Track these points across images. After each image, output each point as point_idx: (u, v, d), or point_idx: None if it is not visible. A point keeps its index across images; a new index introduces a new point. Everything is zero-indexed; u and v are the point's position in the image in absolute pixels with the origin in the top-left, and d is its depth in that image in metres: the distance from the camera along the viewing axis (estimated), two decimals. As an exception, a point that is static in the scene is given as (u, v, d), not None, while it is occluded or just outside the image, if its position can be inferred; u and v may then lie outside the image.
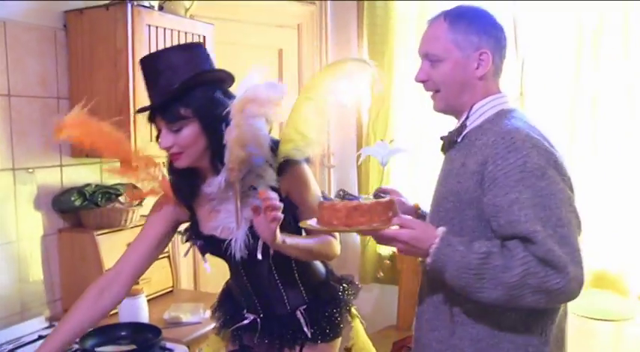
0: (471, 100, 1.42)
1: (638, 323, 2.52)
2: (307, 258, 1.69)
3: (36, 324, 2.12)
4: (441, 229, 1.31)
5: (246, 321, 1.75)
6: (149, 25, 2.19)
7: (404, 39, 3.23)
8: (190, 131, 1.51)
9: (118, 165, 1.75)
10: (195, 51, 1.59)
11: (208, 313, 2.04)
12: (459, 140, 1.43)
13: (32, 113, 2.18)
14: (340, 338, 1.77)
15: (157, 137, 1.57)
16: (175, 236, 1.78)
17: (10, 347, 1.96)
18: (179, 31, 2.31)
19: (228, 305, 1.83)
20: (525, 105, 2.90)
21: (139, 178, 1.69)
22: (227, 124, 1.45)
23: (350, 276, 1.84)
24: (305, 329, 1.69)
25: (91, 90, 2.20)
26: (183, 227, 1.76)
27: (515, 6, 2.89)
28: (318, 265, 1.77)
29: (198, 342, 2.04)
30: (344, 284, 1.79)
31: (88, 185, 2.29)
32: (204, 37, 2.41)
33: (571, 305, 1.43)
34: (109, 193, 2.27)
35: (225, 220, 1.61)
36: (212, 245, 1.66)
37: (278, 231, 1.42)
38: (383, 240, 1.34)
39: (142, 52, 2.12)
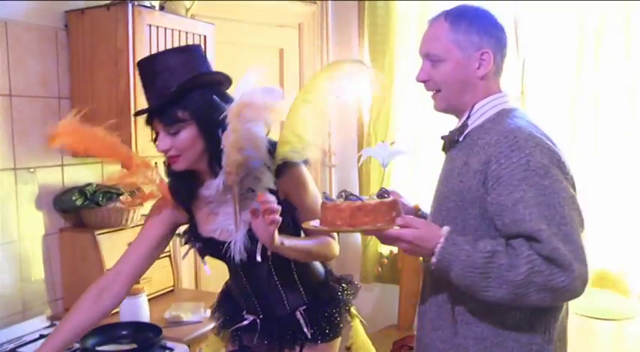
0: (472, 100, 1.43)
1: (639, 323, 2.52)
2: (306, 259, 1.69)
3: (37, 323, 2.13)
4: (446, 228, 1.31)
5: (245, 322, 1.76)
6: (150, 25, 2.19)
7: (405, 39, 3.23)
8: (188, 134, 1.51)
9: (116, 173, 1.75)
10: (192, 53, 1.59)
11: (209, 312, 2.05)
12: (460, 139, 1.43)
13: (33, 113, 2.18)
14: (340, 338, 1.78)
15: (155, 140, 1.57)
16: (176, 236, 1.78)
17: (12, 346, 1.97)
18: (180, 31, 2.31)
19: (227, 306, 1.84)
20: (526, 104, 2.90)
21: (138, 183, 1.69)
22: (224, 128, 1.44)
23: (349, 276, 1.85)
24: (305, 329, 1.69)
25: (92, 90, 2.21)
26: (181, 229, 1.76)
27: (516, 6, 2.88)
28: (318, 266, 1.78)
29: (198, 341, 2.04)
30: (343, 284, 1.79)
31: (89, 184, 2.29)
32: (204, 36, 2.41)
33: (572, 305, 1.44)
34: (110, 193, 2.27)
35: (224, 223, 1.62)
36: (211, 247, 1.66)
37: (276, 233, 1.42)
38: (387, 240, 1.34)
39: (143, 51, 2.12)
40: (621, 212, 2.73)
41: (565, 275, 1.22)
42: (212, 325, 1.98)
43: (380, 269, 3.39)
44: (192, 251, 1.75)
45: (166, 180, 1.67)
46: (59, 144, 1.64)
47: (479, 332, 1.38)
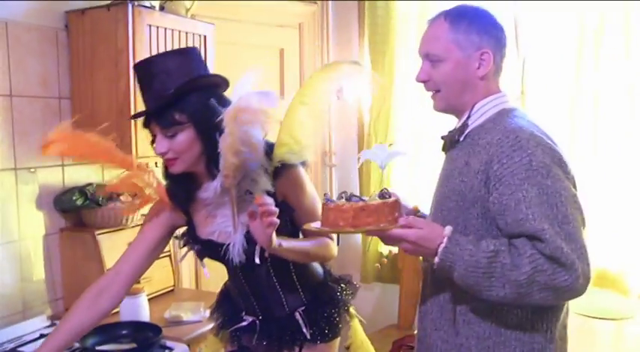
0: (472, 100, 1.43)
1: (639, 322, 2.52)
2: (304, 261, 1.69)
3: (37, 323, 2.13)
4: (448, 228, 1.31)
5: (244, 323, 1.76)
6: (150, 25, 2.19)
7: (405, 39, 3.23)
8: (185, 136, 1.51)
9: (114, 178, 1.75)
10: (189, 55, 1.59)
11: (209, 312, 2.05)
12: (461, 139, 1.43)
13: (34, 113, 2.19)
14: (339, 338, 1.78)
15: (152, 142, 1.57)
16: (174, 239, 1.78)
17: (12, 345, 1.97)
18: (180, 31, 2.31)
19: (226, 307, 1.84)
20: (526, 104, 2.89)
21: (139, 185, 1.69)
22: (221, 131, 1.44)
23: (348, 276, 1.85)
24: (304, 330, 1.69)
25: (92, 91, 2.21)
26: (179, 231, 1.76)
27: (516, 5, 2.88)
28: (316, 266, 1.78)
29: (198, 341, 2.05)
30: (342, 285, 1.80)
31: (89, 184, 2.30)
32: (205, 37, 2.42)
33: (571, 304, 1.44)
34: (110, 193, 2.27)
35: (222, 225, 1.62)
36: (210, 249, 1.66)
37: (274, 235, 1.43)
38: (390, 240, 1.34)
39: (143, 52, 2.12)
40: (621, 212, 2.73)
41: (568, 275, 1.22)
42: (211, 325, 1.98)
43: (379, 266, 3.39)
44: (191, 252, 1.75)
45: (164, 182, 1.67)
46: (53, 151, 1.63)
47: (481, 331, 1.38)
